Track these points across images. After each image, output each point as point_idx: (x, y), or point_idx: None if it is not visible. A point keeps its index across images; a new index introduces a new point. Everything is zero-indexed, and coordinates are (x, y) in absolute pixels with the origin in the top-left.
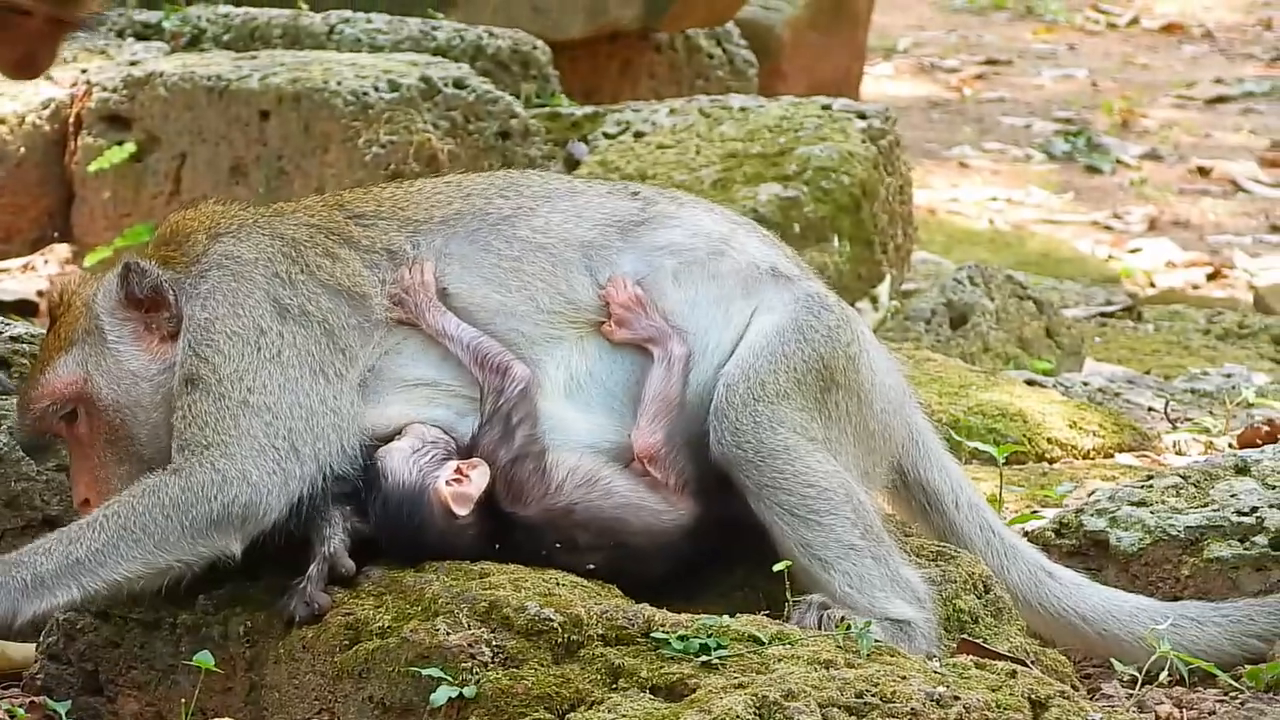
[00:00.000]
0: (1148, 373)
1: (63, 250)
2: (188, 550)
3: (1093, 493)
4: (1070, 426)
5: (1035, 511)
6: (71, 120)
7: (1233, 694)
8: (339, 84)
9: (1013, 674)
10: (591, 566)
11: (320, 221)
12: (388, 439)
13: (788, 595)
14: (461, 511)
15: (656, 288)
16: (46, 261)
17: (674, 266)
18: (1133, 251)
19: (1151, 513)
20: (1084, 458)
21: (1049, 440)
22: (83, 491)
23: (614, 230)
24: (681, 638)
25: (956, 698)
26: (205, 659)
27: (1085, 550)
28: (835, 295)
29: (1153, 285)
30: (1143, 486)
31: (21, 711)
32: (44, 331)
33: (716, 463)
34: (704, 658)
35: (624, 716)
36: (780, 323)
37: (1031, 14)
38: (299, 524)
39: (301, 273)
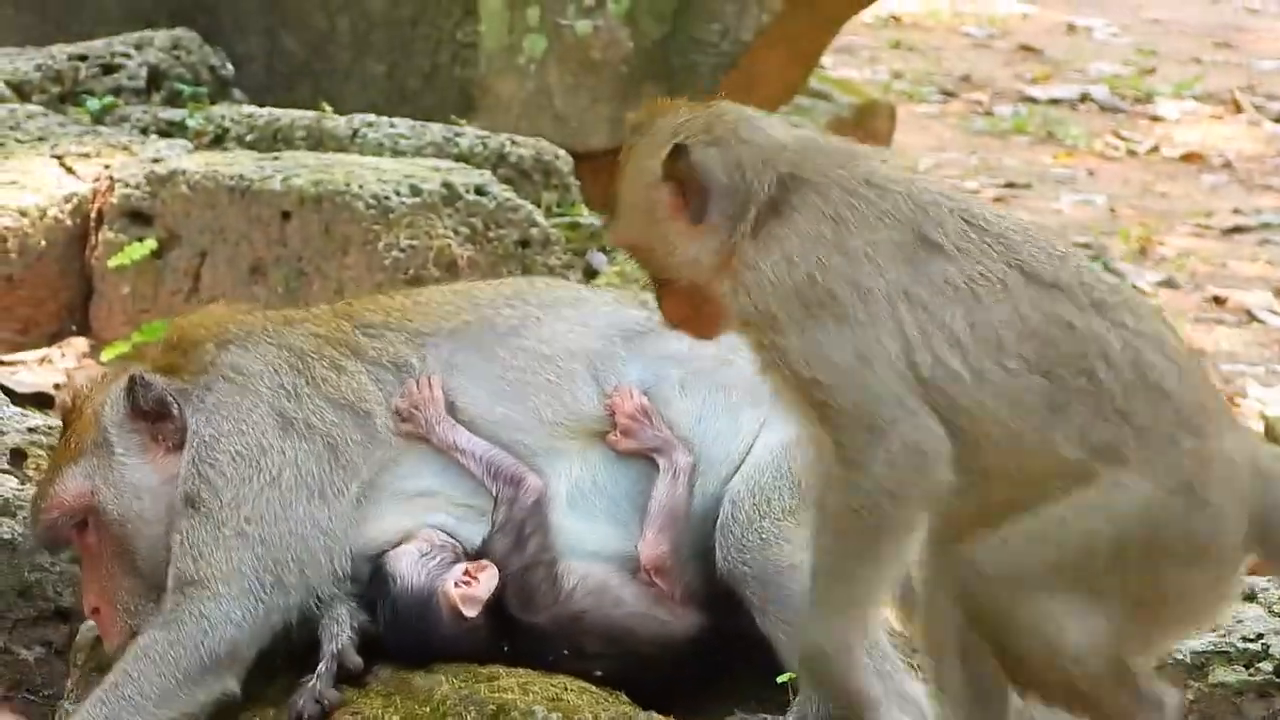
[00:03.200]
0: None
1: (80, 344)
2: (187, 701)
3: None
4: None
5: None
6: (93, 215)
7: None
8: (360, 187)
9: None
10: (599, 673)
11: (328, 332)
12: (388, 548)
13: (792, 707)
14: (470, 613)
15: (662, 397)
16: (64, 354)
17: (680, 376)
18: None
19: None
20: None
21: None
22: (93, 600)
23: (620, 339)
24: None
25: None
26: None
27: None
28: None
29: None
30: None
31: None
32: (59, 423)
33: (722, 577)
34: None
35: None
36: (788, 436)
37: (1052, 139)
38: (295, 635)
39: (307, 385)
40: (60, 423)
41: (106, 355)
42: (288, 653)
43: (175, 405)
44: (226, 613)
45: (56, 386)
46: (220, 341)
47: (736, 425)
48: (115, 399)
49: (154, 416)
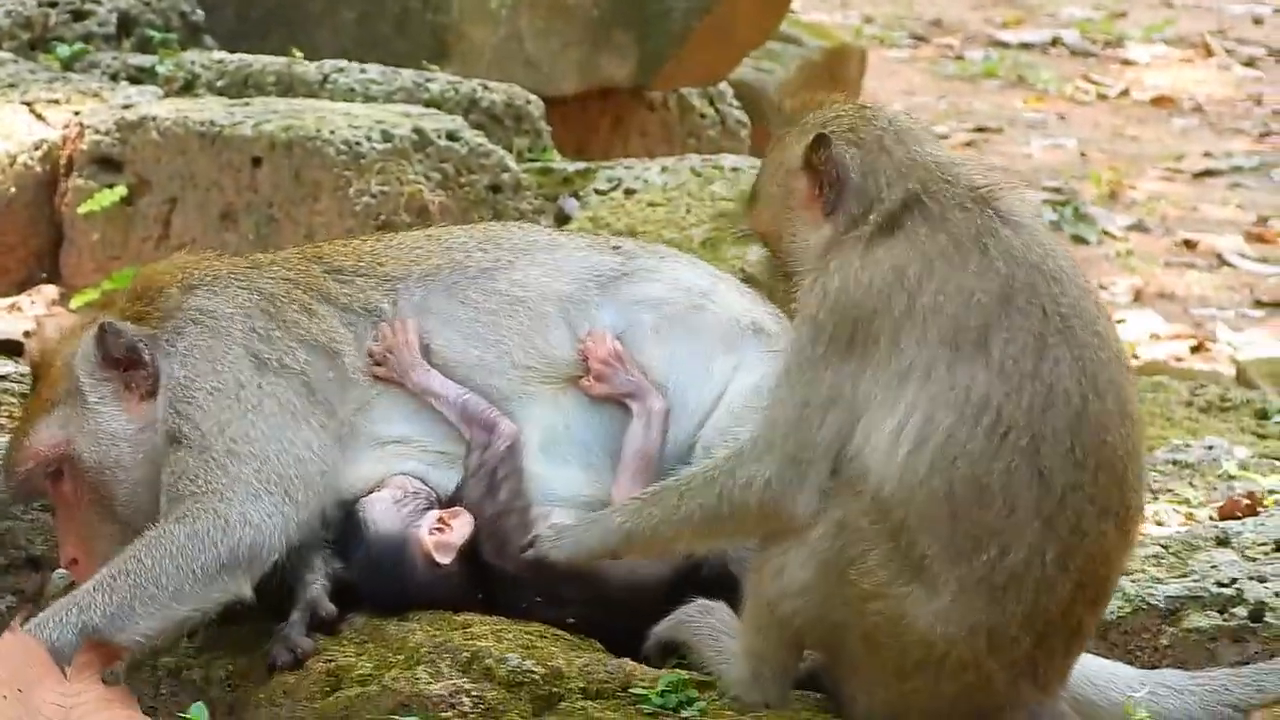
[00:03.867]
0: None
1: (50, 291)
2: (202, 597)
3: None
4: None
5: None
6: (63, 162)
7: None
8: (332, 133)
9: None
10: (572, 620)
11: (298, 276)
12: (362, 495)
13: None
14: (444, 560)
15: (636, 342)
16: (33, 302)
17: (653, 321)
18: (1118, 322)
19: (1132, 581)
20: None
21: None
22: (70, 551)
23: (593, 284)
24: (661, 693)
25: None
26: (200, 713)
27: None
28: None
29: (1136, 357)
30: None
31: None
32: (29, 371)
33: None
34: (683, 714)
35: None
36: (760, 383)
37: (1023, 83)
38: (282, 570)
39: (278, 328)
40: (30, 373)
41: (76, 302)
42: (260, 599)
43: (146, 351)
44: (243, 513)
45: (26, 334)
46: (186, 287)
47: (709, 371)
48: (86, 348)
49: (126, 364)
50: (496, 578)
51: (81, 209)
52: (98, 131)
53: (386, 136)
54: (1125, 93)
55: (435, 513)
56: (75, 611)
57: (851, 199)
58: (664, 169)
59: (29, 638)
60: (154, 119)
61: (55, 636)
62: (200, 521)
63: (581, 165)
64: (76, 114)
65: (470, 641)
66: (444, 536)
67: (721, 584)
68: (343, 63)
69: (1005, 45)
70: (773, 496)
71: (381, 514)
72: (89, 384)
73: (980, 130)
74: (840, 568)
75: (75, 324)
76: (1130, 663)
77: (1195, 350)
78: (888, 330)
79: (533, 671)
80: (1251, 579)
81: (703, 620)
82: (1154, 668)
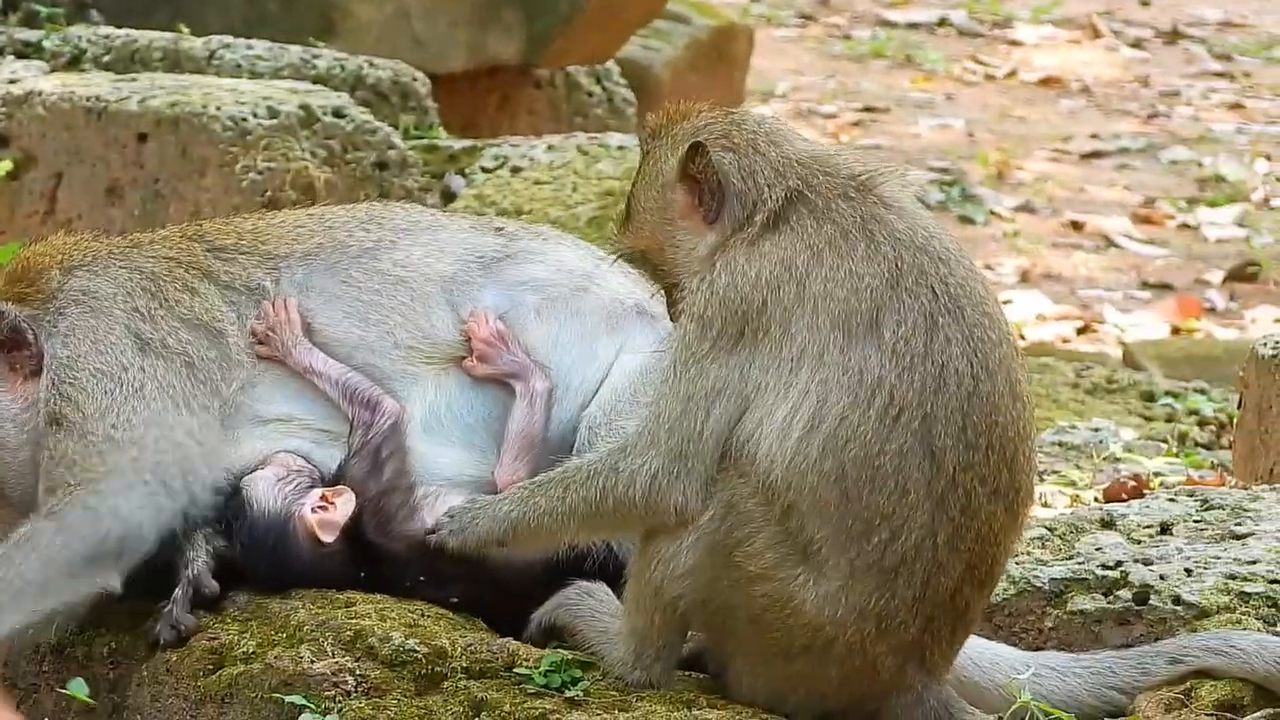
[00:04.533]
0: None
1: None
2: (69, 591)
3: None
4: None
5: None
6: None
7: None
8: (218, 109)
9: None
10: (455, 600)
11: (179, 255)
12: (244, 474)
13: None
14: (327, 538)
15: (519, 323)
16: None
17: (536, 302)
18: (1004, 303)
19: (1017, 563)
20: None
21: None
22: None
23: (476, 265)
24: (545, 673)
25: None
26: (79, 688)
27: None
28: None
29: (1023, 337)
30: None
31: None
32: None
33: None
34: (567, 693)
35: None
36: (644, 364)
37: (910, 63)
38: (163, 549)
39: (160, 307)
40: None
41: None
42: (142, 577)
43: (30, 331)
44: (113, 507)
45: None
46: (65, 268)
47: (593, 352)
48: None
49: (8, 345)
50: (380, 556)
51: None
52: None
53: (273, 113)
54: (1013, 73)
55: (318, 491)
56: None
57: (734, 204)
58: (550, 147)
59: None
60: (40, 94)
61: None
62: (70, 517)
63: (468, 143)
64: None
65: (354, 620)
66: (327, 515)
67: (604, 565)
68: (229, 39)
69: (893, 25)
70: (657, 491)
71: (264, 492)
72: None
73: (868, 110)
74: (728, 550)
75: None
76: (1015, 645)
77: (1082, 332)
78: (778, 319)
79: (416, 651)
80: (1136, 561)
81: (583, 602)
82: (1039, 650)
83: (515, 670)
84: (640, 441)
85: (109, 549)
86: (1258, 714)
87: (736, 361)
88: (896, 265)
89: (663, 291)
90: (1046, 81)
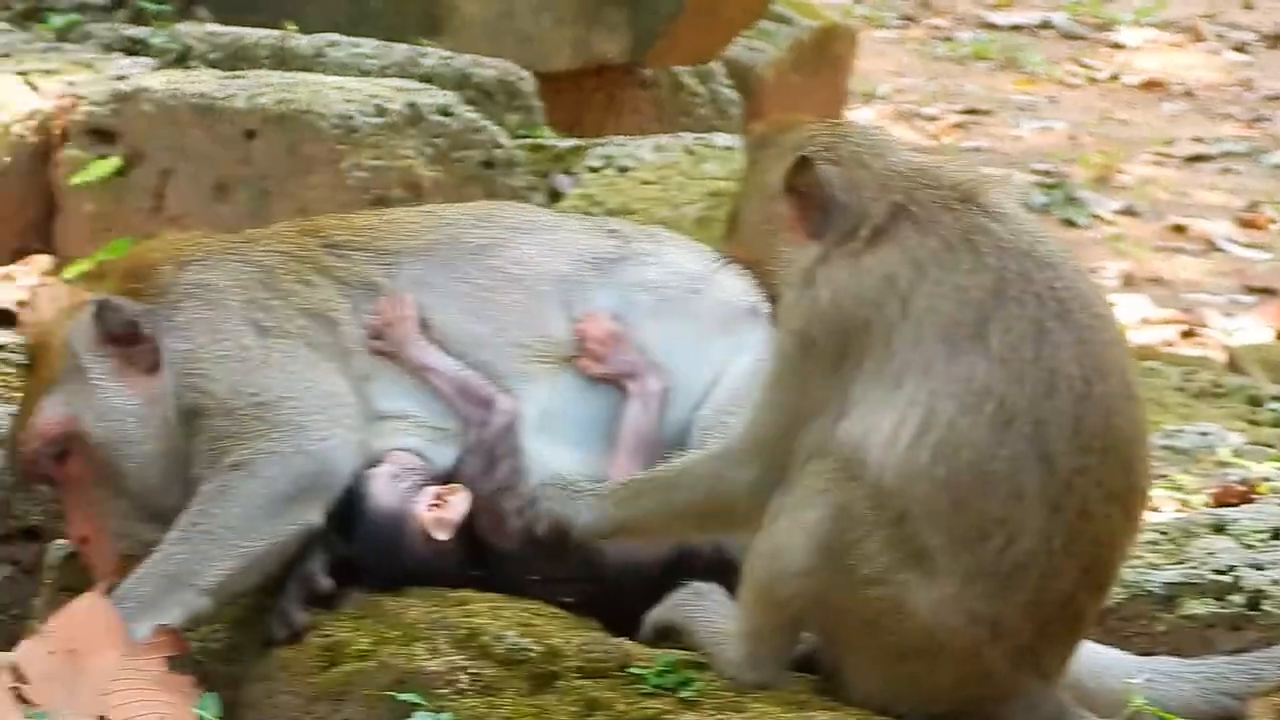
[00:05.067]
0: None
1: (43, 261)
2: (274, 532)
3: None
4: None
5: None
6: (56, 132)
7: None
8: (325, 107)
9: None
10: (570, 599)
11: (293, 249)
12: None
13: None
14: (441, 536)
15: (632, 324)
16: (27, 272)
17: (650, 303)
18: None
19: (1128, 567)
20: None
21: None
22: (79, 529)
23: (590, 266)
24: (659, 673)
25: None
26: (208, 704)
27: None
28: None
29: (1128, 341)
30: None
31: None
32: (23, 340)
33: None
34: (681, 694)
35: None
36: (757, 364)
37: (1013, 65)
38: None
39: (276, 298)
40: (27, 357)
41: (70, 273)
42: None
43: (145, 326)
44: (296, 445)
45: (20, 304)
46: (178, 263)
47: (706, 353)
48: (84, 326)
49: (125, 340)
50: (494, 555)
51: (75, 180)
52: (91, 102)
53: (380, 111)
54: (1115, 77)
55: (433, 488)
56: (156, 563)
57: (838, 218)
58: (657, 147)
59: (105, 605)
60: (148, 91)
61: (139, 590)
62: (256, 463)
63: (574, 142)
64: (70, 84)
65: (468, 619)
66: (442, 512)
67: (718, 566)
68: (336, 37)
69: (995, 27)
70: (759, 500)
71: (380, 489)
72: (89, 361)
73: (970, 112)
74: (840, 552)
75: (69, 304)
76: (1126, 650)
77: (1186, 336)
78: (880, 336)
79: (530, 650)
80: (1249, 566)
81: (697, 603)
82: (1150, 655)
83: (629, 670)
84: (745, 450)
85: (304, 485)
86: None
87: (838, 379)
88: (1001, 275)
89: (769, 299)
90: (1149, 85)
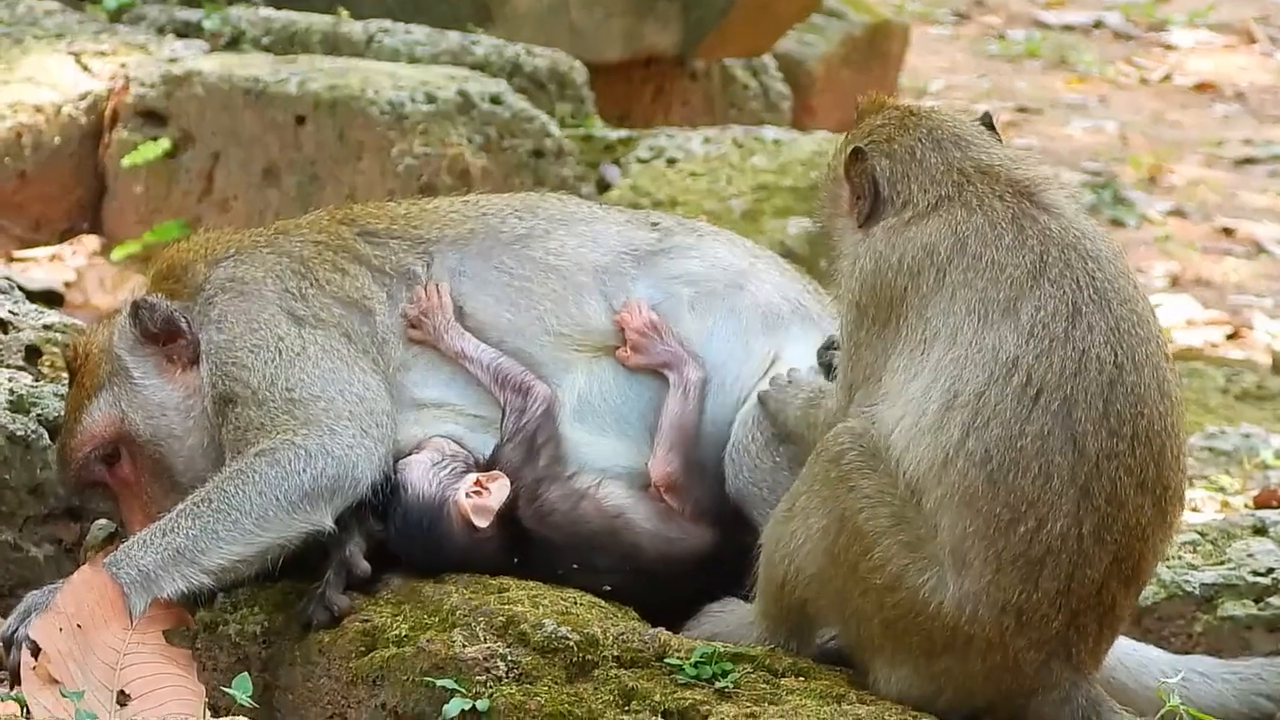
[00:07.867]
0: None
1: (91, 242)
2: (285, 525)
3: None
4: None
5: None
6: (108, 114)
7: None
8: (376, 93)
9: None
10: (608, 588)
11: (328, 238)
12: (399, 457)
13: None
14: (481, 524)
15: (672, 315)
16: (75, 252)
17: (690, 296)
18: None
19: (1167, 567)
20: None
21: None
22: (137, 527)
23: (629, 257)
24: (696, 664)
25: None
26: (244, 684)
27: None
28: None
29: (1172, 341)
30: None
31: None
32: (72, 321)
33: (732, 497)
34: (717, 685)
35: None
36: (802, 364)
37: (1065, 64)
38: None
39: (311, 287)
40: (67, 369)
41: (117, 254)
42: (292, 557)
43: (183, 321)
44: (322, 445)
45: (67, 284)
46: (211, 260)
47: (748, 349)
48: (122, 328)
49: (164, 338)
50: (534, 543)
51: (125, 161)
52: (143, 84)
53: (431, 98)
54: (1167, 77)
55: (473, 475)
56: (162, 533)
57: (885, 209)
58: (706, 139)
59: (106, 577)
60: (200, 74)
61: (143, 558)
62: (282, 453)
63: (624, 133)
64: (123, 66)
65: (506, 606)
66: (481, 500)
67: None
68: (388, 23)
69: (1048, 26)
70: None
71: (419, 476)
72: (131, 361)
73: (1021, 110)
74: (850, 563)
75: (104, 314)
76: (1163, 649)
77: (1231, 338)
78: (915, 305)
79: (568, 638)
80: None
81: (727, 612)
82: (1187, 654)
83: (666, 660)
84: (832, 390)
85: (323, 485)
86: None
87: (882, 344)
88: (1042, 258)
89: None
90: (1201, 86)
